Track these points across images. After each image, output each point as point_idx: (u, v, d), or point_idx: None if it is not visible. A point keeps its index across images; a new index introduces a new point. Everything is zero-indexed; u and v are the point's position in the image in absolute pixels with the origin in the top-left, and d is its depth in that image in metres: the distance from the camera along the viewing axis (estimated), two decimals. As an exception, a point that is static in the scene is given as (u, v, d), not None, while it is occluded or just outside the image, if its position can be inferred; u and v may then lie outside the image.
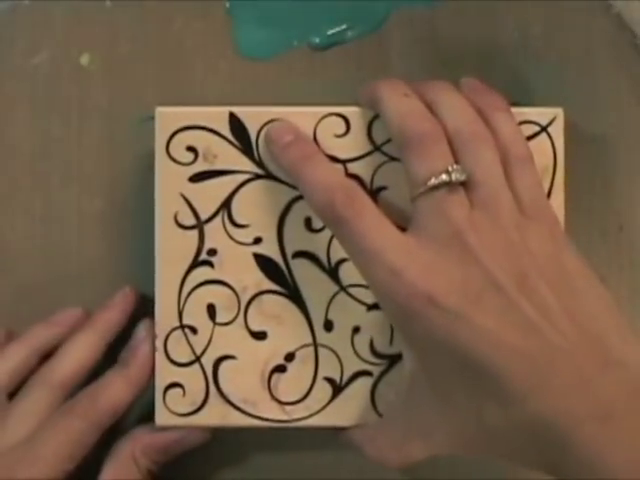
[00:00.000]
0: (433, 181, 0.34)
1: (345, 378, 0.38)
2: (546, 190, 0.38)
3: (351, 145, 0.38)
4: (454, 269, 0.33)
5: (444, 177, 0.34)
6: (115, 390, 0.38)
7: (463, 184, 0.34)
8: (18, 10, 0.41)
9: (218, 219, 0.38)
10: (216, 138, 0.37)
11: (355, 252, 0.35)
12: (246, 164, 0.38)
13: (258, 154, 0.38)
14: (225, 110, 0.38)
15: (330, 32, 0.41)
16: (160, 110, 0.38)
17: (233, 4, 0.41)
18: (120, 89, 0.41)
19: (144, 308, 0.39)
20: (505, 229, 0.34)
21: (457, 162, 0.35)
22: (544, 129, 0.38)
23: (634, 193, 0.41)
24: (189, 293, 0.38)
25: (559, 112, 0.38)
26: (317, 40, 0.41)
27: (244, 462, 0.41)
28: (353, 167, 0.38)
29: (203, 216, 0.38)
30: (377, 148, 0.38)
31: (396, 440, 0.36)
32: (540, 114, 0.38)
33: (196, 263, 0.38)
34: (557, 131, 0.38)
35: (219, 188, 0.38)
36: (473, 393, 0.33)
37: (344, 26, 0.41)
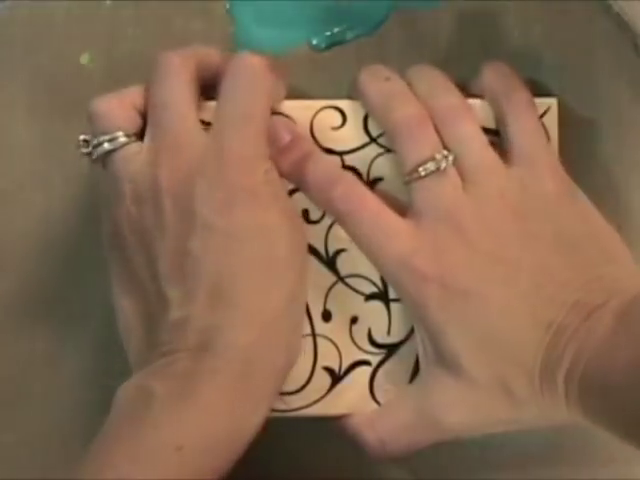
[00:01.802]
0: (422, 170, 0.35)
1: (344, 368, 0.38)
2: None
3: (347, 137, 0.38)
4: (457, 249, 0.34)
5: (431, 165, 0.35)
6: None
7: (453, 164, 0.35)
8: (18, 9, 0.41)
9: None
10: None
11: (362, 243, 0.36)
12: None
13: None
14: None
15: (330, 32, 0.41)
16: None
17: (233, 4, 0.41)
18: (120, 89, 0.41)
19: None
20: (497, 198, 0.35)
21: (444, 143, 0.35)
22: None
23: (633, 192, 0.41)
24: None
25: (553, 102, 0.38)
26: (317, 40, 0.41)
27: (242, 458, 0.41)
28: (350, 159, 0.38)
29: None
30: (373, 140, 0.38)
31: (403, 425, 0.36)
32: None
33: None
34: (551, 121, 0.38)
35: None
36: (491, 366, 0.34)
37: (344, 26, 0.41)
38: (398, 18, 0.41)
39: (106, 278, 0.40)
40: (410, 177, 0.35)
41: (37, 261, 0.41)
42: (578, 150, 0.40)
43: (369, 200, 0.36)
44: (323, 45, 0.41)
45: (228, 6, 0.42)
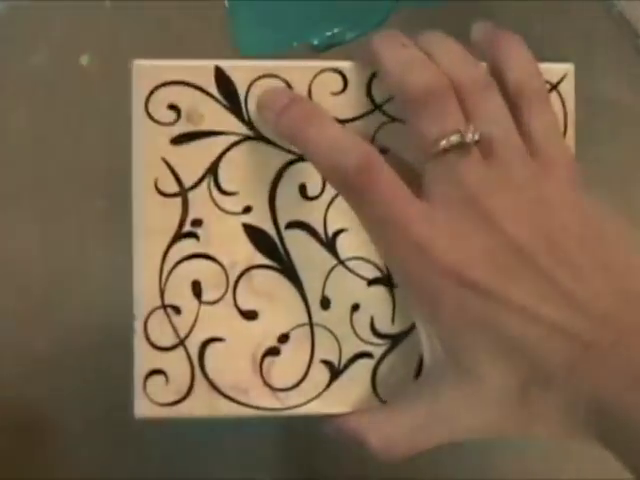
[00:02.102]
0: (444, 143, 0.31)
1: (344, 360, 0.35)
2: None
3: (349, 104, 0.34)
4: (477, 239, 0.31)
5: (456, 138, 0.31)
6: None
7: (476, 142, 0.31)
8: (18, 10, 0.41)
9: (203, 186, 0.34)
10: (201, 95, 0.34)
11: (373, 223, 0.32)
12: (234, 124, 0.34)
13: (247, 113, 0.34)
14: (210, 64, 0.34)
15: (330, 32, 0.41)
16: (138, 63, 0.35)
17: (233, 4, 0.41)
18: (120, 89, 0.41)
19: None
20: (523, 187, 0.31)
21: (467, 118, 0.32)
22: (554, 87, 0.35)
23: (634, 193, 0.41)
24: (172, 269, 0.35)
25: (570, 68, 0.35)
26: (317, 40, 0.41)
27: (241, 458, 0.41)
28: (351, 128, 0.34)
29: (187, 182, 0.34)
30: (377, 107, 0.35)
31: (412, 427, 0.33)
32: (549, 71, 0.35)
33: (179, 235, 0.35)
34: (568, 89, 0.35)
35: (204, 151, 0.34)
36: (510, 373, 0.31)
37: (344, 26, 0.41)
38: (398, 18, 0.41)
39: (105, 277, 0.41)
40: (431, 150, 0.31)
41: (37, 261, 0.41)
42: (577, 150, 0.40)
43: (387, 175, 0.31)
44: (323, 45, 0.41)
45: (228, 6, 0.42)
